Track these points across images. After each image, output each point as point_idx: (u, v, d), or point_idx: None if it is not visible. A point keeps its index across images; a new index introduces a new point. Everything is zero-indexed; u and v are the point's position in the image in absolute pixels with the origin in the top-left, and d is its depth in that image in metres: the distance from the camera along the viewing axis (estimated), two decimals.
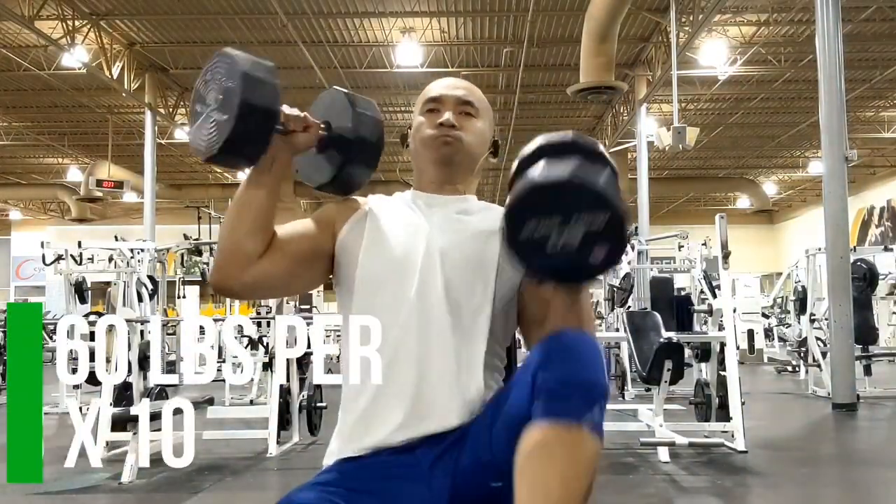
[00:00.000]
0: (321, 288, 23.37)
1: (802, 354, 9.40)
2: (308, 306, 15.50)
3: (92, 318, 7.92)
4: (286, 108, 1.39)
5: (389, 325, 1.36)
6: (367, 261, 1.42)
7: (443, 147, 1.47)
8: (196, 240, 9.64)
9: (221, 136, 1.33)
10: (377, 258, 1.42)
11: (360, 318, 1.37)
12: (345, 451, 1.39)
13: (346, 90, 1.49)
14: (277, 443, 5.16)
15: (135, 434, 4.41)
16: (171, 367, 10.57)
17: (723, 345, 5.37)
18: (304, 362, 7.01)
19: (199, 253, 9.71)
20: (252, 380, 8.65)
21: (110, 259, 8.14)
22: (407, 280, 1.39)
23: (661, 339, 5.05)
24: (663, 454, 4.77)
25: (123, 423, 4.61)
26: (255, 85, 1.32)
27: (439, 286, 1.38)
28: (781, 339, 14.62)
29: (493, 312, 1.40)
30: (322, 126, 1.44)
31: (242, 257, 1.37)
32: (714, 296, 5.89)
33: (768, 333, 14.86)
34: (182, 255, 11.44)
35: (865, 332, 8.24)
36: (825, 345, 8.36)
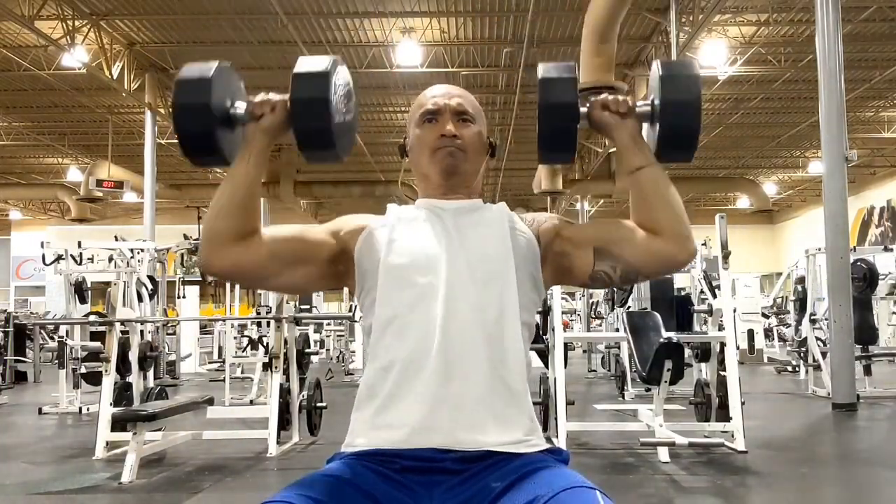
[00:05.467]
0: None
1: (802, 354, 9.40)
2: (308, 306, 15.50)
3: (92, 317, 7.94)
4: (245, 100, 1.48)
5: (414, 320, 1.38)
6: (391, 258, 1.43)
7: (447, 158, 1.49)
8: (196, 240, 9.65)
9: (183, 154, 1.46)
10: (402, 257, 1.43)
11: (385, 310, 1.40)
12: (356, 444, 1.39)
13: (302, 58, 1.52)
14: (277, 443, 5.16)
15: (134, 434, 4.41)
16: (171, 367, 10.63)
17: (723, 345, 5.37)
18: (304, 362, 7.04)
19: None
20: (252, 380, 8.67)
21: (110, 259, 8.15)
22: (432, 277, 1.40)
23: (661, 339, 5.04)
24: (663, 454, 4.77)
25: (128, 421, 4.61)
26: (183, 93, 1.43)
27: (465, 286, 1.39)
28: (781, 339, 14.63)
29: (519, 310, 1.42)
30: (288, 102, 1.47)
31: (216, 238, 1.45)
32: (714, 296, 5.90)
33: (768, 333, 14.86)
34: (182, 255, 11.47)
35: (865, 332, 8.23)
36: (825, 345, 8.36)
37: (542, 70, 1.47)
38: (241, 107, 1.48)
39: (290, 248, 1.49)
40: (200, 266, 1.49)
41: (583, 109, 1.48)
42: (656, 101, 1.47)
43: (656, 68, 1.49)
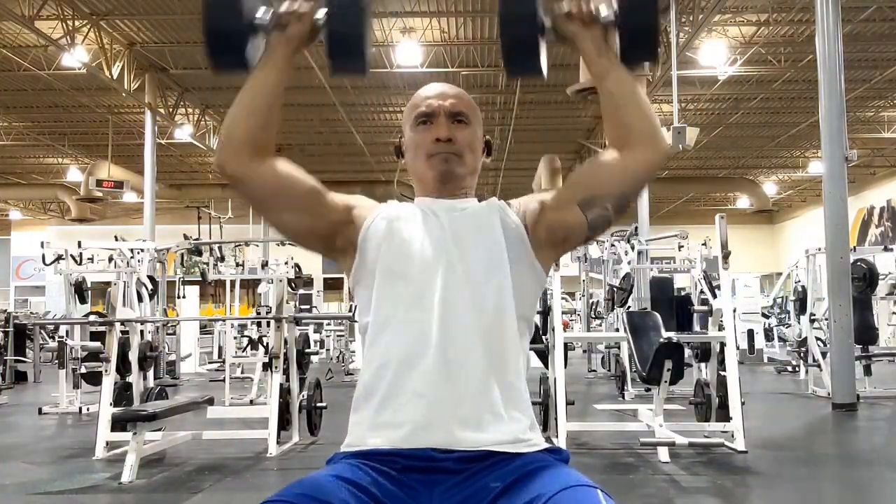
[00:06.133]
0: (321, 288, 23.17)
1: (802, 354, 9.40)
2: (308, 306, 15.51)
3: (92, 317, 7.93)
4: (274, 8, 1.47)
5: (411, 319, 1.38)
6: (388, 257, 1.44)
7: (442, 165, 1.49)
8: (196, 240, 9.65)
9: (207, 56, 1.46)
10: (399, 256, 1.43)
11: (381, 309, 1.40)
12: (355, 444, 1.39)
13: None
14: (277, 443, 5.15)
15: (134, 434, 4.41)
16: (171, 367, 10.63)
17: (723, 345, 5.37)
18: (304, 362, 7.03)
19: (199, 253, 9.72)
20: (252, 380, 8.67)
21: (110, 259, 8.14)
22: (428, 276, 1.40)
23: (661, 339, 5.04)
24: (663, 454, 4.77)
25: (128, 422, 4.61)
26: (212, 9, 1.46)
27: (461, 285, 1.39)
28: (781, 339, 14.62)
29: (516, 306, 1.42)
30: (318, 14, 1.46)
31: (233, 139, 1.44)
32: (714, 296, 5.90)
33: (768, 333, 14.86)
34: (182, 255, 11.45)
35: (865, 332, 8.23)
36: (825, 345, 8.36)
37: None
38: (264, 15, 1.47)
39: (303, 191, 1.48)
40: (216, 166, 1.47)
41: (547, 23, 1.46)
42: (615, 6, 1.46)
43: None
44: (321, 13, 1.45)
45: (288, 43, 1.45)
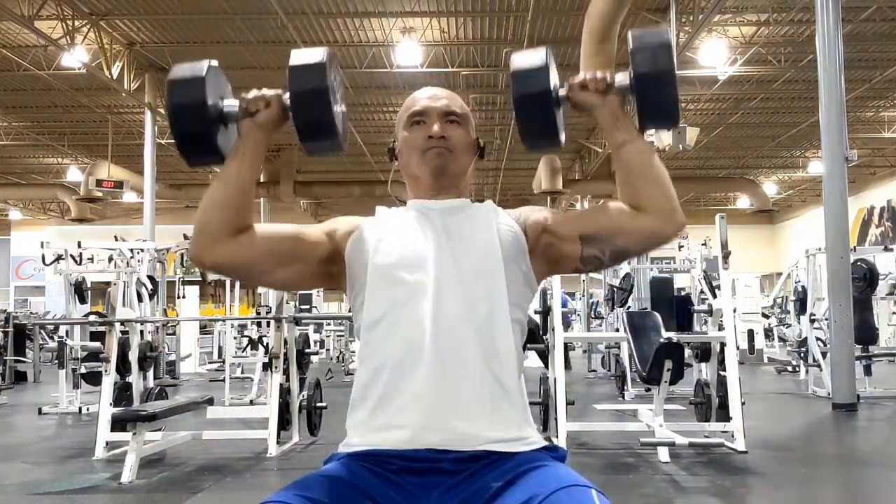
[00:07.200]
0: (321, 288, 23.18)
1: (802, 354, 9.40)
2: (308, 306, 15.51)
3: (92, 317, 7.93)
4: (237, 98, 1.46)
5: (404, 319, 1.37)
6: (378, 258, 1.43)
7: (436, 159, 1.49)
8: None
9: (181, 155, 1.44)
10: (389, 256, 1.43)
11: (374, 310, 1.40)
12: (355, 444, 1.38)
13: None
14: (277, 443, 5.15)
15: (134, 434, 4.41)
16: (171, 367, 10.63)
17: (723, 345, 5.37)
18: (304, 362, 7.03)
19: None
20: (252, 380, 8.67)
21: (110, 259, 8.14)
22: (420, 276, 1.40)
23: (661, 339, 5.04)
24: (663, 454, 4.77)
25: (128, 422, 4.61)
26: (178, 92, 1.41)
27: (454, 284, 1.39)
28: (781, 339, 14.63)
29: (509, 306, 1.42)
30: (285, 96, 1.45)
31: (208, 232, 1.43)
32: (714, 296, 5.90)
33: (768, 333, 14.87)
34: (182, 255, 11.45)
35: (865, 332, 8.23)
36: (825, 345, 8.36)
37: (514, 62, 1.45)
38: (233, 104, 1.46)
39: (285, 246, 1.48)
40: (191, 258, 1.47)
41: (562, 92, 1.45)
42: (632, 73, 1.43)
43: (629, 39, 1.45)
44: (288, 95, 1.44)
45: (259, 129, 1.46)
